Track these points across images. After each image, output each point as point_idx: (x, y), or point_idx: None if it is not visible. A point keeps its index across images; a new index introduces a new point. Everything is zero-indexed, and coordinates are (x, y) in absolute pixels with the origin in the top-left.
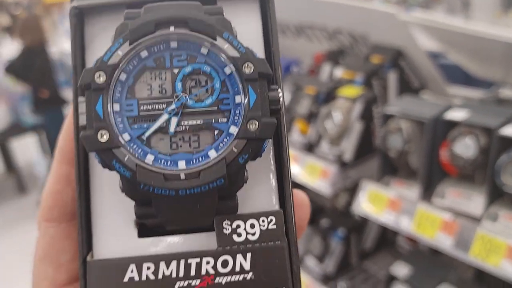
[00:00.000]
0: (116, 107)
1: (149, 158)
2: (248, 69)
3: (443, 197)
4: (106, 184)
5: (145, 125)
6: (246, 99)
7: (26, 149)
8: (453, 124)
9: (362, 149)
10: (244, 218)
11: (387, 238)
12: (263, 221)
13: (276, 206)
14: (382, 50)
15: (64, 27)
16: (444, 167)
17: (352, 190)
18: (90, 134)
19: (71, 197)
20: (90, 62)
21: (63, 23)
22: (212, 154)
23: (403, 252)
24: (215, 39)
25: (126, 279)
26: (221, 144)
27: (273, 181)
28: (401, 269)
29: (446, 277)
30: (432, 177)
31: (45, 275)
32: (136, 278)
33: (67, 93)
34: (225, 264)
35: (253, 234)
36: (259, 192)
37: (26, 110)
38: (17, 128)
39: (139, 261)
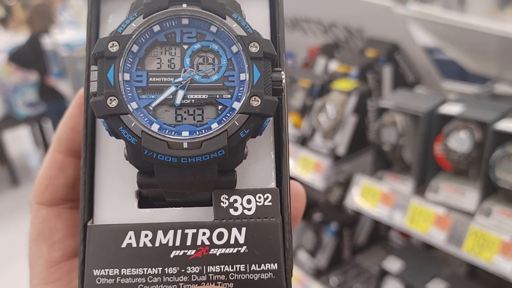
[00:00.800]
0: (127, 76)
1: (155, 127)
2: (254, 48)
3: (437, 192)
4: (111, 156)
5: (152, 96)
6: (250, 77)
7: (19, 141)
8: (448, 118)
9: (356, 143)
10: (241, 193)
11: (380, 233)
12: (259, 197)
13: (273, 184)
14: (378, 44)
15: (63, 17)
16: (438, 161)
17: (346, 184)
18: (100, 99)
19: (62, 184)
20: (104, 35)
21: (62, 14)
22: (215, 126)
23: (396, 247)
24: (225, 18)
25: (124, 245)
26: (223, 118)
27: (272, 160)
28: (393, 264)
29: (439, 272)
30: (426, 172)
31: (39, 254)
32: (134, 245)
33: (60, 85)
34: (220, 236)
35: (249, 209)
36: (257, 170)
37: (19, 102)
38: (10, 120)
39: (137, 228)
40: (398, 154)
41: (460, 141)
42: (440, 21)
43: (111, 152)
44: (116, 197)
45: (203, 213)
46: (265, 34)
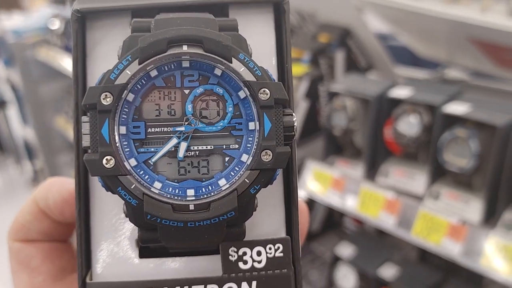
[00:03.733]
0: (123, 130)
1: (157, 185)
2: (264, 95)
3: (387, 176)
4: (106, 204)
5: (152, 149)
6: (261, 127)
7: None
8: (397, 102)
9: (308, 128)
10: (251, 245)
11: (334, 219)
12: (270, 248)
13: (283, 232)
14: (330, 28)
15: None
16: (388, 145)
17: (298, 171)
18: (95, 158)
19: (36, 230)
20: (92, 70)
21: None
22: (223, 183)
23: (349, 233)
24: (231, 61)
25: None
26: (232, 173)
27: (281, 206)
28: (345, 250)
29: (390, 257)
30: (376, 156)
31: (22, 283)
32: None
33: (9, 73)
34: None
35: (260, 262)
36: (266, 217)
37: None
38: None
39: (142, 286)
40: (349, 139)
41: (409, 125)
42: (391, 5)
43: (107, 200)
44: (115, 246)
45: (210, 264)
46: (270, 62)
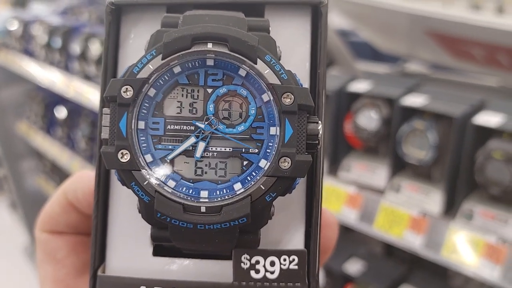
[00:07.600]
0: (141, 124)
1: (171, 183)
2: (288, 100)
3: (349, 171)
4: (125, 196)
5: (170, 146)
6: (281, 133)
7: None
8: (356, 96)
9: None
10: (265, 254)
11: None
12: (284, 259)
13: (300, 243)
14: None
15: None
16: (349, 140)
17: None
18: (111, 151)
19: (64, 222)
20: (123, 63)
21: None
22: (238, 187)
23: None
24: (256, 62)
25: None
26: (248, 178)
27: (302, 217)
28: None
29: (355, 252)
30: (337, 151)
31: (46, 274)
32: None
33: None
34: None
35: (272, 272)
36: (284, 223)
37: None
38: None
39: (150, 284)
40: None
41: (368, 119)
42: (352, 0)
43: (126, 195)
44: (131, 242)
45: (221, 268)
46: (303, 66)
